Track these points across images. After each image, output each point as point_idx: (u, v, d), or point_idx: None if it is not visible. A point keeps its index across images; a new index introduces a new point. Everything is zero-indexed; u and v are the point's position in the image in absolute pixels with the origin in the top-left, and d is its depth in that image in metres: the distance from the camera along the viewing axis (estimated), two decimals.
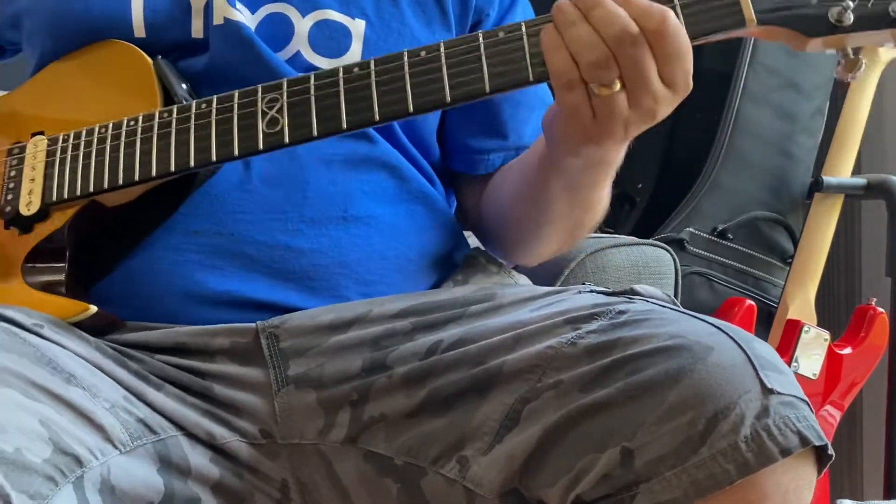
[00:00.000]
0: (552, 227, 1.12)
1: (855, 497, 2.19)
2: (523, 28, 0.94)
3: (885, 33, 0.92)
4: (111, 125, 1.03)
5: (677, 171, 2.14)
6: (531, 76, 0.93)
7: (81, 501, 0.85)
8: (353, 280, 1.07)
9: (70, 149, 1.05)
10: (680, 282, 1.69)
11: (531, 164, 1.10)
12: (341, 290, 1.07)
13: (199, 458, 0.97)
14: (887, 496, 2.07)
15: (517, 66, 0.93)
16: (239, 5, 1.08)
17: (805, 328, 2.00)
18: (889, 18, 0.91)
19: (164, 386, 1.00)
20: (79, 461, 0.86)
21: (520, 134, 1.19)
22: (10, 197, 1.06)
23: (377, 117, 0.96)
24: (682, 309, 0.95)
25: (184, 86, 1.06)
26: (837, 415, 2.03)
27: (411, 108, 0.95)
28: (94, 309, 1.01)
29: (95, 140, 1.04)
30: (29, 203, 1.05)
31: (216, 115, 1.00)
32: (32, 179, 1.05)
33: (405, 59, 0.96)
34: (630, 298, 0.97)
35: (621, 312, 0.92)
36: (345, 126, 0.96)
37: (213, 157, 0.99)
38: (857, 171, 2.16)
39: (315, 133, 0.97)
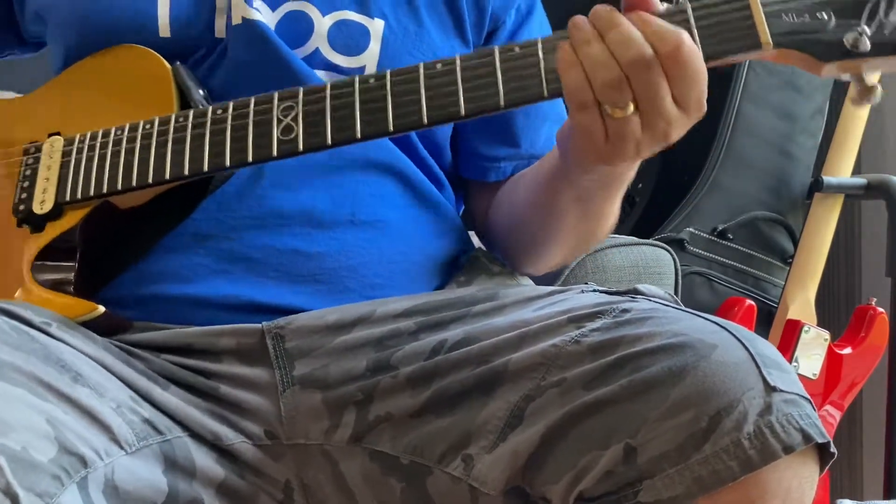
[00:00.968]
0: (561, 237, 1.13)
1: (855, 497, 2.19)
2: (539, 44, 0.94)
3: None
4: (127, 127, 1.04)
5: (677, 171, 2.14)
6: (546, 92, 0.93)
7: (86, 501, 0.85)
8: (360, 283, 1.08)
9: (86, 150, 1.05)
10: (680, 282, 1.70)
11: (543, 174, 1.10)
12: (348, 294, 1.07)
13: (204, 459, 0.97)
14: (887, 496, 2.07)
15: (532, 82, 0.93)
16: (258, 3, 1.09)
17: (805, 328, 2.01)
18: None
19: (171, 386, 1.00)
20: (84, 461, 0.86)
21: (532, 142, 1.19)
22: (24, 195, 1.06)
23: (391, 128, 0.96)
24: (685, 308, 0.96)
25: (201, 92, 1.07)
26: (837, 415, 2.03)
27: (426, 120, 0.95)
28: (101, 309, 1.01)
29: (111, 142, 1.04)
30: (42, 202, 1.05)
31: (231, 121, 1.00)
32: (47, 178, 1.06)
33: (421, 71, 0.96)
34: (633, 297, 0.98)
35: (625, 311, 0.93)
36: (359, 136, 0.96)
37: (227, 163, 1.00)
38: (857, 171, 2.16)
39: (329, 142, 0.97)
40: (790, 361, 1.97)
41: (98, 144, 1.05)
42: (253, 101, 1.00)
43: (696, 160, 2.10)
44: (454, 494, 0.95)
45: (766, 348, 0.89)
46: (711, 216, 2.07)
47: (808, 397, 0.87)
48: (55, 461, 0.83)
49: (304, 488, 1.01)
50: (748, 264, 2.10)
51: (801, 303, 2.04)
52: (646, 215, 2.13)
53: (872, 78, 0.91)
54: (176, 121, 1.02)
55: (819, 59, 0.91)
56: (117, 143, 1.04)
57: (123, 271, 1.06)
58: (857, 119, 2.05)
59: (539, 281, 1.24)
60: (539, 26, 1.21)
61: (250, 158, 0.99)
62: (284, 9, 1.10)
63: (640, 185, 2.17)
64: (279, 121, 0.99)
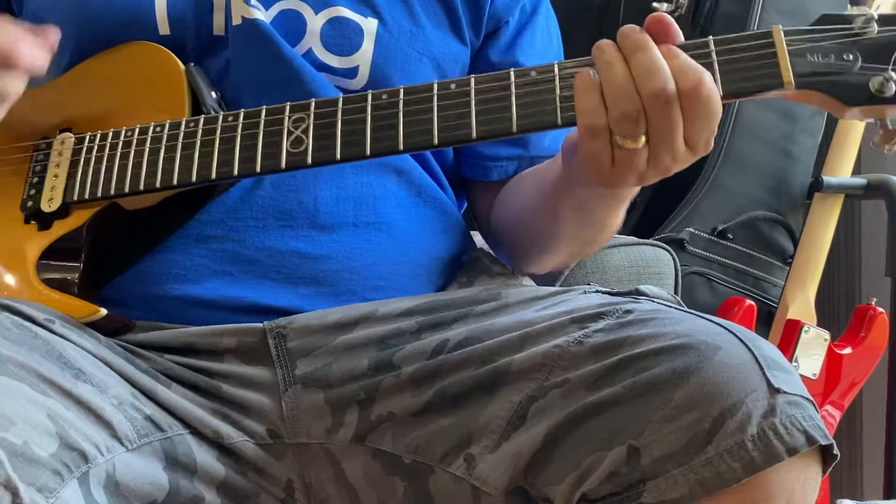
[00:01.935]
0: (562, 241, 1.12)
1: (855, 497, 2.19)
2: (556, 70, 0.93)
3: None
4: (137, 129, 1.04)
5: (677, 172, 2.13)
6: (559, 121, 0.92)
7: (87, 497, 0.85)
8: (363, 286, 1.07)
9: (96, 150, 1.05)
10: (680, 282, 1.70)
11: (545, 180, 1.09)
12: (350, 296, 1.07)
13: (205, 457, 0.98)
14: (887, 496, 2.07)
15: (546, 109, 0.92)
16: (255, 2, 1.08)
17: (805, 328, 2.00)
18: None
19: (173, 384, 1.00)
20: (85, 457, 0.86)
21: (538, 144, 1.18)
22: (32, 192, 1.06)
23: (401, 147, 0.96)
24: (688, 309, 0.96)
25: (214, 94, 1.06)
26: (837, 415, 2.03)
27: (436, 141, 0.95)
28: (104, 312, 1.01)
29: (121, 143, 1.04)
30: (51, 199, 1.05)
31: (241, 130, 1.00)
32: (56, 176, 1.06)
33: (434, 90, 0.96)
34: (636, 298, 0.98)
35: (628, 312, 0.93)
36: (368, 153, 0.96)
37: (235, 172, 1.00)
38: (857, 171, 2.16)
39: (338, 157, 0.97)
40: (790, 361, 1.97)
41: (108, 145, 1.05)
42: (264, 110, 1.00)
43: (696, 160, 2.09)
44: (456, 494, 0.95)
45: (770, 350, 0.89)
46: (711, 216, 2.07)
47: (812, 399, 0.87)
48: (56, 456, 0.83)
49: (305, 487, 1.01)
50: (748, 264, 2.10)
51: (801, 303, 2.04)
52: (646, 215, 2.13)
53: None
54: (186, 126, 1.02)
55: (842, 102, 0.90)
56: (127, 145, 1.04)
57: (126, 271, 1.06)
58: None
59: (539, 281, 1.24)
60: (545, 25, 1.21)
61: (258, 169, 0.99)
62: (277, 8, 1.10)
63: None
64: (290, 132, 0.98)
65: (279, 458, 1.01)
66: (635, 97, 0.87)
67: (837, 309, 2.42)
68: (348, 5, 1.10)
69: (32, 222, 1.05)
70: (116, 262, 1.06)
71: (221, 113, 1.02)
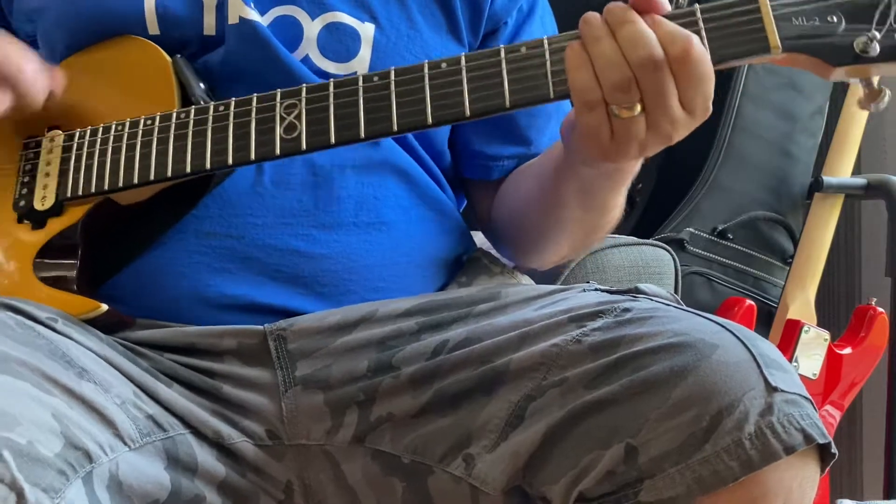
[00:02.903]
0: (565, 229, 1.12)
1: (855, 497, 2.19)
2: (546, 44, 0.93)
3: None
4: (128, 123, 1.04)
5: (677, 171, 2.14)
6: (552, 94, 0.93)
7: (90, 496, 0.85)
8: (363, 286, 1.07)
9: (86, 145, 1.05)
10: (680, 282, 1.70)
11: (546, 166, 1.09)
12: (350, 296, 1.07)
13: (206, 457, 0.98)
14: (887, 496, 2.07)
15: (538, 83, 0.93)
16: (251, 6, 1.08)
17: (805, 328, 2.00)
18: None
19: (174, 384, 1.00)
20: (89, 456, 0.86)
21: (540, 141, 1.18)
22: (24, 191, 1.06)
23: (395, 128, 0.95)
24: (686, 307, 0.96)
25: (202, 85, 1.06)
26: (837, 415, 2.03)
27: (430, 121, 0.95)
28: (104, 307, 1.01)
29: (112, 138, 1.04)
30: (43, 198, 1.05)
31: (234, 118, 1.00)
32: (48, 174, 1.06)
33: (426, 70, 0.95)
34: (634, 297, 0.98)
35: (626, 310, 0.93)
36: (363, 135, 0.96)
37: (230, 161, 0.99)
38: (857, 171, 2.16)
39: (332, 141, 0.97)
40: (790, 361, 1.97)
41: (99, 140, 1.04)
42: (255, 98, 1.00)
43: (696, 160, 2.09)
44: (455, 494, 0.95)
45: (768, 348, 0.89)
46: (711, 216, 2.07)
47: (810, 397, 0.87)
48: (61, 456, 0.83)
49: (305, 488, 1.01)
50: (748, 264, 2.10)
51: (801, 303, 2.04)
52: (646, 215, 2.13)
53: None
54: (177, 117, 1.02)
55: (828, 62, 0.91)
56: (118, 139, 1.03)
57: (124, 268, 1.05)
58: (857, 119, 2.05)
59: (538, 281, 1.24)
60: (541, 23, 1.21)
61: (253, 157, 0.99)
62: (273, 13, 1.09)
63: (640, 185, 2.16)
64: (282, 119, 0.98)
65: (278, 459, 1.01)
66: (625, 66, 0.88)
67: (837, 309, 2.42)
68: (345, 10, 1.10)
69: (26, 221, 1.05)
70: (114, 259, 1.06)
71: (212, 103, 1.02)
